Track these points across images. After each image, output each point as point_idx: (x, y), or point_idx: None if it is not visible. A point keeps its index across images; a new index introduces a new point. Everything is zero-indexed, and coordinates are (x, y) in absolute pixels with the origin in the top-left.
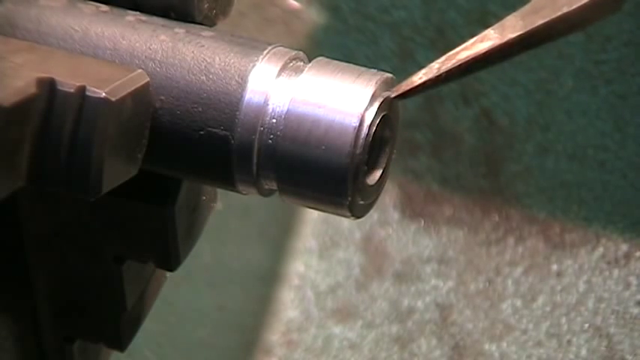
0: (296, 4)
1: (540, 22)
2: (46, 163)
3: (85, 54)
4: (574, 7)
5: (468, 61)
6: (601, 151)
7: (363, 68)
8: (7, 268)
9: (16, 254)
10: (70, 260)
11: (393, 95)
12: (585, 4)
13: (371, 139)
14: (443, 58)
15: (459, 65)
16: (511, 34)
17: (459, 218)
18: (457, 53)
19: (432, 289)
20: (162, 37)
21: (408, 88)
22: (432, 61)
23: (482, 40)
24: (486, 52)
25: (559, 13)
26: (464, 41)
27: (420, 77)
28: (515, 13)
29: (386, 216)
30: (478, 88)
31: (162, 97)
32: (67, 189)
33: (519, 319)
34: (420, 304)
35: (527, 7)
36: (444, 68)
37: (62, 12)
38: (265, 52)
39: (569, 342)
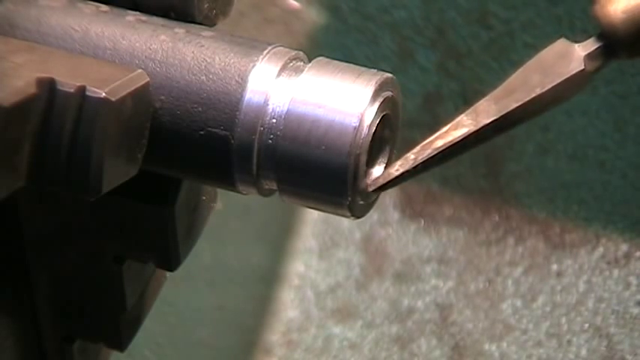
0: (296, 4)
1: (514, 105)
2: (46, 163)
3: (85, 54)
4: (546, 88)
5: (444, 149)
6: (601, 151)
7: (363, 68)
8: (7, 268)
9: (16, 254)
10: (70, 260)
11: (370, 189)
12: (556, 85)
13: (371, 139)
14: (418, 147)
15: (435, 154)
16: (485, 120)
17: (459, 218)
18: (432, 142)
19: (432, 289)
20: (163, 37)
21: (385, 181)
22: (431, 61)
23: (456, 128)
24: (461, 139)
25: (532, 95)
26: (464, 41)
27: (396, 169)
28: (487, 97)
29: (386, 216)
30: (478, 88)
31: (163, 97)
32: (67, 189)
33: (519, 319)
34: (420, 304)
35: (499, 90)
36: (420, 159)
37: (62, 12)
38: (265, 52)
39: (569, 342)
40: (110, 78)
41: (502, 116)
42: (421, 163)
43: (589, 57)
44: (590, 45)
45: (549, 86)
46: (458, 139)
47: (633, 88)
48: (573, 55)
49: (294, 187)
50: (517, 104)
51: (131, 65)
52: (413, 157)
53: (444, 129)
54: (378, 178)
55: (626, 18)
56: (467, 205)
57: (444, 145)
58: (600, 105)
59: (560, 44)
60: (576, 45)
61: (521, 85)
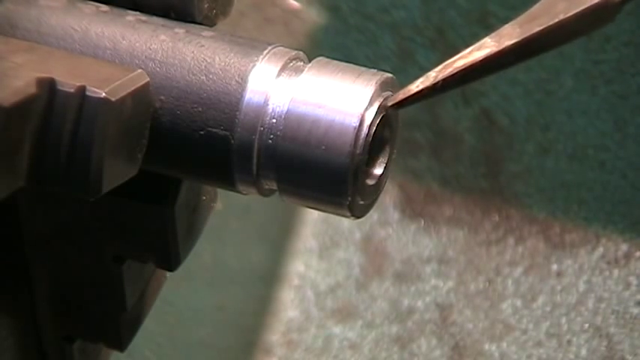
0: (296, 4)
1: (537, 29)
2: (46, 163)
3: (85, 54)
4: (570, 14)
5: (465, 69)
6: (601, 151)
7: (363, 68)
8: (7, 268)
9: (16, 254)
10: (70, 260)
11: (389, 104)
12: (581, 12)
13: (371, 139)
14: (440, 66)
15: (456, 73)
16: (508, 42)
17: (459, 218)
18: (454, 62)
19: (432, 289)
20: (162, 37)
21: (405, 96)
22: (431, 61)
23: (479, 49)
24: (483, 60)
25: (556, 20)
26: (464, 41)
27: (417, 86)
28: (512, 22)
29: (386, 216)
30: (478, 88)
31: (162, 97)
32: (67, 189)
33: (519, 319)
34: (420, 304)
35: (524, 16)
36: (440, 76)
37: (62, 12)
38: (265, 52)
39: (569, 342)
40: (110, 78)
41: (525, 39)
42: (441, 80)
43: None
44: None
45: (573, 12)
46: (479, 59)
47: (633, 88)
48: None
49: (294, 187)
50: (540, 28)
51: (131, 65)
52: (434, 74)
53: (467, 50)
54: (398, 94)
55: None
56: (467, 205)
57: (466, 64)
58: (600, 105)
59: None
60: None
61: (546, 10)
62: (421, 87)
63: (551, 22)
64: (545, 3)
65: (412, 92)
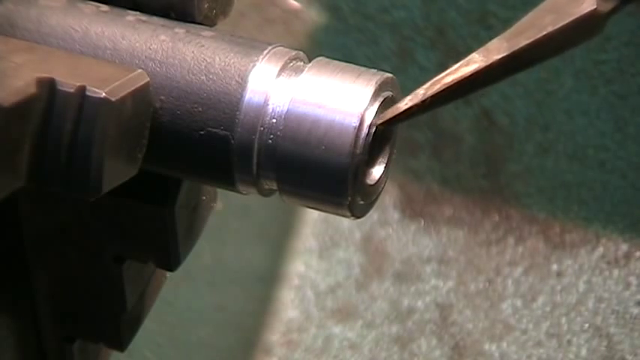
0: (296, 4)
1: (524, 42)
2: (46, 163)
3: (85, 54)
4: (557, 26)
5: (453, 85)
6: (601, 151)
7: (363, 68)
8: (7, 268)
9: (16, 254)
10: (70, 260)
11: (378, 123)
12: (569, 24)
13: (371, 139)
14: (428, 83)
15: (445, 90)
16: (496, 56)
17: (459, 218)
18: (442, 78)
19: (432, 289)
20: (162, 37)
21: (393, 114)
22: (431, 61)
23: (467, 64)
24: (471, 75)
25: (543, 33)
26: (464, 41)
27: (405, 103)
28: (499, 37)
29: (386, 216)
30: None
31: (163, 97)
32: (67, 189)
33: (519, 319)
34: (420, 304)
35: (511, 30)
36: (429, 93)
37: (62, 12)
38: (265, 52)
39: (569, 342)
40: (110, 78)
41: (512, 53)
42: (430, 97)
43: None
44: None
45: (560, 25)
46: (467, 75)
47: (633, 88)
48: None
49: (294, 187)
50: (527, 42)
51: (131, 65)
52: (422, 92)
53: (455, 66)
54: (386, 112)
55: None
56: (467, 205)
57: (454, 80)
58: (600, 105)
59: None
60: None
61: (533, 24)
62: (410, 104)
63: (538, 36)
64: (532, 16)
65: (401, 110)
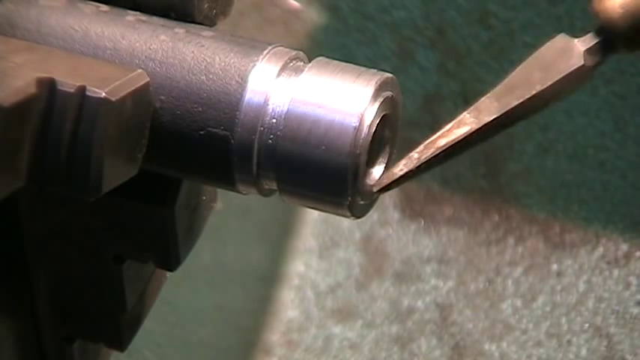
0: (296, 4)
1: (515, 102)
2: (46, 163)
3: (85, 54)
4: (547, 84)
5: (447, 148)
6: (601, 151)
7: (363, 68)
8: (7, 268)
9: (16, 254)
10: (70, 260)
11: (375, 190)
12: (557, 81)
13: (371, 139)
14: (421, 147)
15: (438, 153)
16: (487, 117)
17: (459, 218)
18: (435, 141)
19: (432, 289)
20: (163, 37)
21: (389, 181)
22: (431, 61)
23: (458, 126)
24: (464, 137)
25: (533, 92)
26: (464, 41)
27: (400, 169)
28: (489, 95)
29: (386, 216)
30: (478, 88)
31: (163, 97)
32: (67, 189)
33: (519, 319)
34: (420, 304)
35: (500, 88)
36: (423, 158)
37: (62, 12)
38: (265, 52)
39: (569, 342)
40: (110, 78)
41: (504, 114)
42: (425, 162)
43: (589, 52)
44: (589, 40)
45: (550, 82)
46: (460, 138)
47: (633, 88)
48: (573, 51)
49: (294, 187)
50: (518, 101)
51: (131, 65)
52: (416, 156)
53: (447, 127)
54: (382, 178)
55: (624, 12)
56: (467, 205)
57: (447, 143)
58: (600, 105)
59: (560, 40)
60: (576, 40)
61: (522, 82)
62: (405, 170)
63: (528, 95)
64: (520, 73)
65: (397, 176)
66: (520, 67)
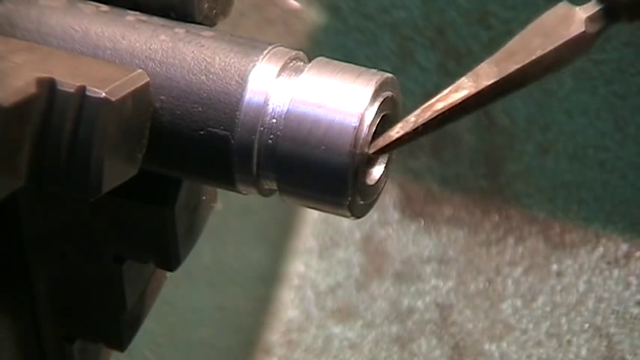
0: (296, 4)
1: (514, 67)
2: (46, 163)
3: (85, 54)
4: (547, 50)
5: (444, 111)
6: (601, 151)
7: (363, 68)
8: (7, 268)
9: (16, 254)
10: (70, 260)
11: (371, 151)
12: (558, 47)
13: (371, 139)
14: (419, 110)
15: (436, 116)
16: (485, 82)
17: (459, 218)
18: (433, 104)
19: (432, 289)
20: (163, 37)
21: (385, 143)
22: (431, 61)
23: (456, 90)
24: (462, 101)
25: (533, 57)
26: (464, 41)
27: (397, 131)
28: (488, 60)
29: (386, 216)
30: None
31: (163, 97)
32: (67, 189)
33: (519, 319)
34: (420, 304)
35: (500, 53)
36: (420, 121)
37: (62, 12)
38: (265, 52)
39: (569, 342)
40: (110, 78)
41: (502, 78)
42: (421, 125)
43: (590, 19)
44: (591, 8)
45: (550, 48)
46: (458, 102)
47: (633, 88)
48: (574, 18)
49: (294, 187)
50: (517, 66)
51: (131, 65)
52: (413, 119)
53: (445, 92)
54: (378, 140)
55: None
56: (467, 205)
57: (445, 107)
58: (600, 105)
59: (561, 7)
60: (577, 8)
61: (522, 47)
62: (401, 132)
63: (527, 60)
64: (520, 39)
65: (393, 138)
66: (520, 33)
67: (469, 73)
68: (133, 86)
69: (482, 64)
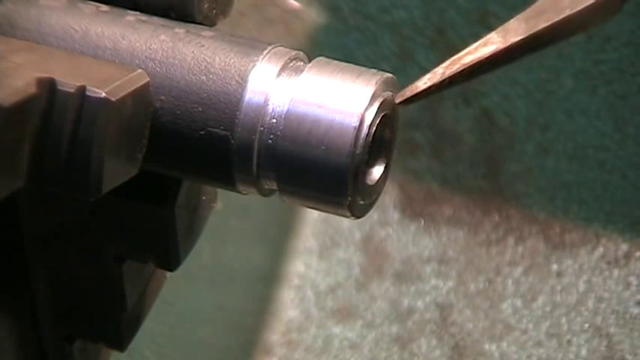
0: (296, 4)
1: (543, 25)
2: (46, 163)
3: (85, 54)
4: (577, 9)
5: (472, 65)
6: (601, 151)
7: (363, 68)
8: (7, 268)
9: (16, 254)
10: (70, 260)
11: (397, 101)
12: (588, 7)
13: (371, 139)
14: (447, 62)
15: (463, 69)
16: (514, 38)
17: (459, 218)
18: (461, 57)
19: (432, 289)
20: (163, 37)
21: (412, 93)
22: (431, 61)
23: (485, 44)
24: (490, 56)
25: (562, 16)
26: (464, 41)
27: (424, 82)
28: (518, 17)
29: (386, 216)
30: (478, 88)
31: (163, 97)
32: (67, 189)
33: (519, 319)
34: (420, 304)
35: (529, 10)
36: (448, 73)
37: (62, 12)
38: (265, 52)
39: (569, 342)
40: (110, 78)
41: (531, 35)
42: (448, 77)
43: None
44: None
45: (579, 8)
46: (486, 56)
47: (633, 88)
48: None
49: (294, 187)
50: (546, 24)
51: (131, 65)
52: (441, 71)
53: (473, 46)
54: (405, 91)
55: None
56: (467, 205)
57: (472, 61)
58: (600, 105)
59: None
60: None
61: (552, 6)
62: (429, 84)
63: (557, 18)
64: None
65: (420, 89)
66: None
67: (498, 29)
68: (133, 86)
69: (511, 21)
